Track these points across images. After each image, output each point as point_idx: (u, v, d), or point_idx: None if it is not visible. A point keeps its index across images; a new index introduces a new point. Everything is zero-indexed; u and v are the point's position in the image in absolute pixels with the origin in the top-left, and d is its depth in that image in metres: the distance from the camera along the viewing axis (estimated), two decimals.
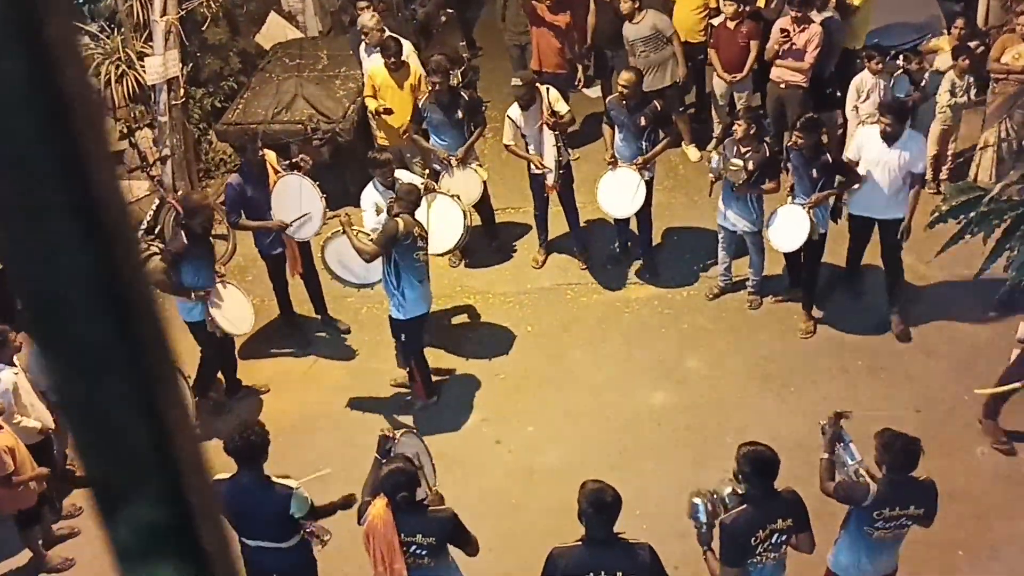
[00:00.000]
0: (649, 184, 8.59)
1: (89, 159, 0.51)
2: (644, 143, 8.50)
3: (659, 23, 9.84)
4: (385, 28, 9.53)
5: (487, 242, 9.50)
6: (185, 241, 7.26)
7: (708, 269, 8.97)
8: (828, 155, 7.92)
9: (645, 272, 9.03)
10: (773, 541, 5.06)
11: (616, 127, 8.61)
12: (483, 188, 9.01)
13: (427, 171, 8.83)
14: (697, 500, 5.16)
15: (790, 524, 5.06)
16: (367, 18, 9.54)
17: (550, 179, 8.61)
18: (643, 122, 8.42)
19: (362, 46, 9.76)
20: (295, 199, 7.94)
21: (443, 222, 8.15)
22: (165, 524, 0.54)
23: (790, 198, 8.01)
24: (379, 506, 5.22)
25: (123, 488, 0.54)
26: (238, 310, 7.76)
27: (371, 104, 9.31)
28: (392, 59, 9.10)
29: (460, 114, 8.74)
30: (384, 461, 5.61)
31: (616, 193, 8.55)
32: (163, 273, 7.16)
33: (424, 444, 5.97)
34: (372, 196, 8.03)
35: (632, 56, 9.95)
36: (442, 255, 8.64)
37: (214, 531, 0.57)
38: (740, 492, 5.12)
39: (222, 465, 5.57)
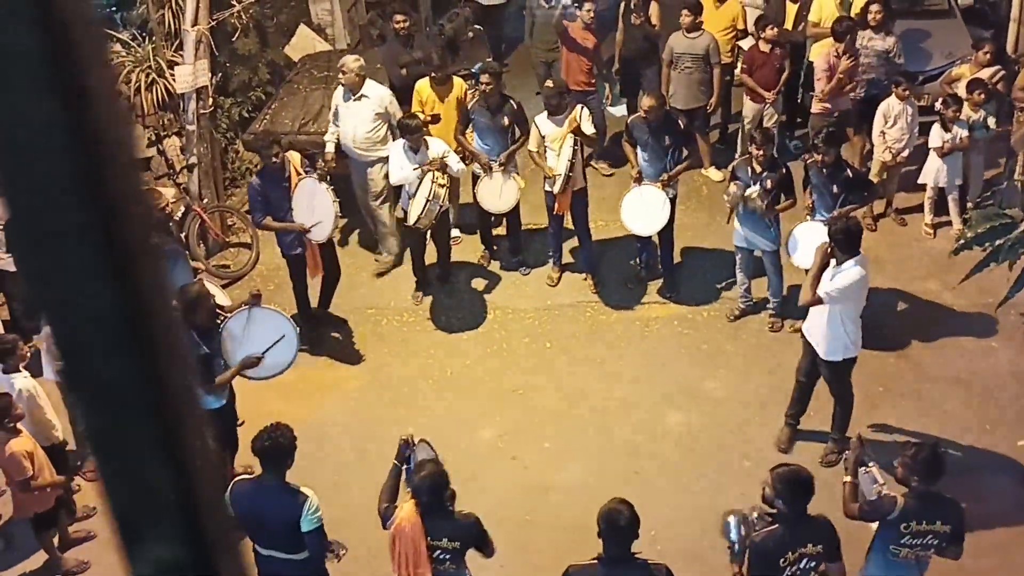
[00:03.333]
0: (672, 202, 8.61)
1: (121, 205, 0.52)
2: (668, 161, 8.53)
3: (712, 46, 9.95)
4: (365, 75, 9.14)
5: (510, 256, 9.54)
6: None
7: (729, 289, 8.94)
8: (849, 170, 7.89)
9: (666, 290, 9.02)
10: (802, 566, 5.03)
11: (639, 146, 8.64)
12: (516, 198, 9.06)
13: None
14: (731, 519, 5.20)
15: (820, 551, 5.02)
16: (351, 61, 9.08)
17: (556, 185, 8.62)
18: (667, 141, 8.47)
19: (340, 92, 9.22)
20: (310, 202, 8.08)
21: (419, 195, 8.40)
22: (184, 561, 0.55)
23: (808, 216, 7.99)
24: (408, 509, 5.24)
25: (143, 523, 0.55)
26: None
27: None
28: (436, 73, 9.27)
29: (506, 120, 8.90)
30: (404, 467, 5.63)
31: (640, 211, 8.57)
32: None
33: (435, 453, 5.97)
34: (398, 152, 8.48)
35: (673, 69, 9.97)
36: (412, 224, 8.57)
37: (233, 569, 0.58)
38: (772, 512, 5.12)
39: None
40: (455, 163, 8.54)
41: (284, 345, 6.97)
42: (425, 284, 9.19)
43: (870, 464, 5.46)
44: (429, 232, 8.82)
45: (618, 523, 4.84)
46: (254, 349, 6.84)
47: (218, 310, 7.04)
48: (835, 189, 7.80)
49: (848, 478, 5.45)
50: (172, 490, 0.54)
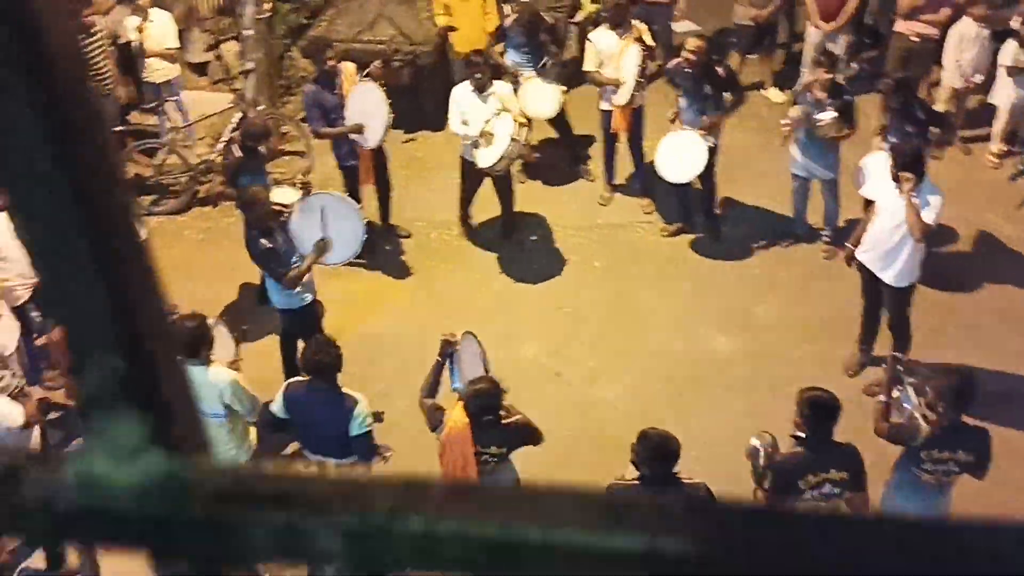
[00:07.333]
0: (712, 151, 8.19)
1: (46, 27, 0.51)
2: (709, 107, 8.15)
3: None
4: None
5: (568, 160, 9.43)
6: (239, 154, 7.52)
7: (782, 215, 8.78)
8: (922, 110, 7.70)
9: (708, 239, 8.65)
10: (824, 491, 5.04)
11: (681, 93, 8.27)
12: (560, 103, 8.83)
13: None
14: (756, 441, 5.25)
15: (844, 477, 5.04)
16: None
17: (623, 97, 8.39)
18: (707, 90, 8.12)
19: None
20: (363, 108, 8.04)
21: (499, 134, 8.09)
22: (126, 372, 0.55)
23: (881, 140, 7.81)
24: (457, 419, 5.37)
25: (88, 335, 0.56)
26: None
27: (440, 21, 9.47)
28: None
29: (542, 37, 8.80)
30: (447, 363, 5.78)
31: (675, 156, 8.20)
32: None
33: (482, 347, 6.06)
34: (461, 94, 8.21)
35: None
36: (488, 167, 8.18)
37: (173, 381, 0.58)
38: (798, 435, 5.13)
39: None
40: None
41: (347, 221, 7.08)
42: (466, 223, 8.93)
43: (906, 384, 5.44)
44: (491, 180, 8.48)
45: (661, 452, 4.87)
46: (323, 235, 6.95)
47: (281, 207, 7.07)
48: (907, 127, 7.60)
49: (882, 396, 5.50)
50: (111, 298, 0.54)
